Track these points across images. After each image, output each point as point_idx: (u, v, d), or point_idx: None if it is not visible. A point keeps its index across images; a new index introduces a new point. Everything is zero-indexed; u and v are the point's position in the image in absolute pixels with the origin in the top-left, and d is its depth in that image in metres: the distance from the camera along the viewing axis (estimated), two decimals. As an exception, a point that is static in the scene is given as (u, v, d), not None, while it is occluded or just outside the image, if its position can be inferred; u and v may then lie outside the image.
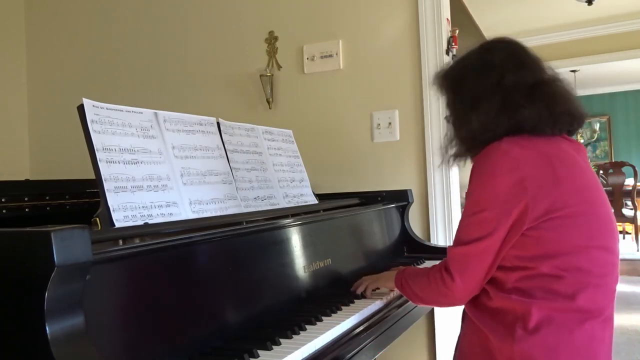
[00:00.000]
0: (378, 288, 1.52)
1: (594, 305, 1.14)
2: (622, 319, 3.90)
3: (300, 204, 1.80)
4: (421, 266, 1.79)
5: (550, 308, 1.13)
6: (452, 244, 1.27)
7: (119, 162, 1.19)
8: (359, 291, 1.51)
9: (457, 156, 1.35)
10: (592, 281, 1.14)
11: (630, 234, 7.66)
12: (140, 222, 1.17)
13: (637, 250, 6.82)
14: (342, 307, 1.38)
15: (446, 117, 1.41)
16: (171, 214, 1.26)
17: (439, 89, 1.40)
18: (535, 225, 1.14)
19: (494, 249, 1.17)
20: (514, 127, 1.21)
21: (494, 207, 1.16)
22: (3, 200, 1.61)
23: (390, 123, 2.38)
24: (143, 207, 1.20)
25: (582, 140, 8.17)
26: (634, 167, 6.64)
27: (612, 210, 1.26)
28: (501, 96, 1.22)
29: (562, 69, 6.15)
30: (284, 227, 1.45)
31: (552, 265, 1.14)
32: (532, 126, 1.20)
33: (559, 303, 1.13)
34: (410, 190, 2.19)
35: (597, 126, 8.34)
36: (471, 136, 1.25)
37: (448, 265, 1.23)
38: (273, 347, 1.07)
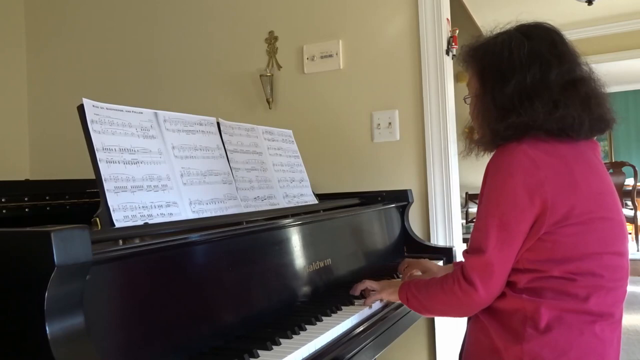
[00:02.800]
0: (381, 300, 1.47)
1: (605, 308, 1.14)
2: (622, 319, 3.89)
3: (300, 204, 1.80)
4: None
5: (561, 308, 1.12)
6: (468, 248, 1.21)
7: (119, 162, 1.19)
8: (360, 292, 1.48)
9: (482, 143, 1.26)
10: (604, 285, 1.14)
11: (630, 233, 7.66)
12: (140, 222, 1.17)
13: (637, 250, 6.82)
14: (342, 307, 1.38)
15: (465, 98, 1.32)
16: (171, 214, 1.26)
17: (466, 64, 1.30)
18: (552, 230, 1.11)
19: (514, 254, 1.14)
20: (559, 126, 1.14)
21: (512, 211, 1.12)
22: (3, 200, 1.61)
23: (390, 123, 2.38)
24: (143, 207, 1.20)
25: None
26: (634, 167, 6.63)
27: (622, 212, 1.24)
28: (550, 91, 1.15)
29: (562, 69, 6.16)
30: (284, 227, 1.45)
31: (564, 269, 1.12)
32: (573, 129, 1.15)
33: (570, 304, 1.12)
34: (410, 190, 2.19)
35: (597, 126, 8.32)
36: (521, 127, 1.15)
37: (468, 275, 1.16)
38: (273, 347, 1.07)
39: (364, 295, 1.48)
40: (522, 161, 1.12)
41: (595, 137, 1.26)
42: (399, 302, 1.40)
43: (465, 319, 1.34)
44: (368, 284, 1.48)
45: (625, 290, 1.20)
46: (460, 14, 4.42)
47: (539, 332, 1.12)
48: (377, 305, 1.45)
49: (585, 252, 1.13)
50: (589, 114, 1.16)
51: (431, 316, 1.43)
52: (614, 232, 1.17)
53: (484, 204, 1.18)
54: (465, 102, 1.34)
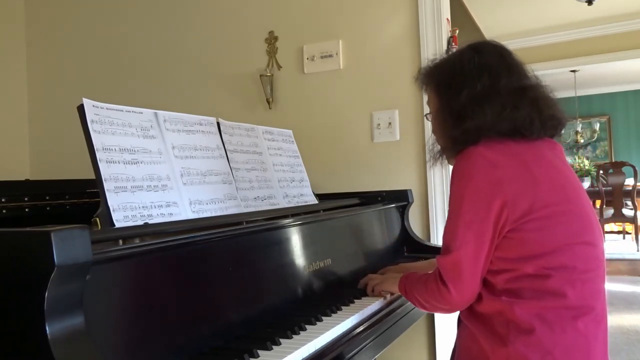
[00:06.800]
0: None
1: (583, 302, 1.15)
2: (622, 319, 3.89)
3: (300, 204, 1.80)
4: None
5: (541, 307, 1.14)
6: (441, 250, 1.26)
7: (119, 162, 1.19)
8: (366, 288, 1.54)
9: (444, 153, 1.35)
10: (578, 277, 1.15)
11: (630, 234, 7.65)
12: (140, 222, 1.17)
13: (637, 250, 6.82)
14: (342, 307, 1.38)
15: (426, 115, 1.42)
16: (171, 214, 1.26)
17: (424, 86, 1.40)
18: (517, 227, 1.15)
19: (481, 252, 1.17)
20: (511, 127, 1.21)
21: (474, 210, 1.17)
22: (3, 200, 1.61)
23: (390, 123, 2.38)
24: (143, 207, 1.20)
25: (582, 141, 8.16)
26: (634, 167, 6.64)
27: (592, 205, 1.27)
28: (500, 96, 1.23)
29: (562, 69, 6.16)
30: (284, 227, 1.45)
31: (537, 265, 1.15)
32: (524, 128, 1.22)
33: (548, 301, 1.14)
34: (410, 190, 2.19)
35: (597, 126, 8.34)
36: (474, 130, 1.22)
37: (442, 275, 1.22)
38: (273, 347, 1.07)
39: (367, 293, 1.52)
40: (480, 163, 1.18)
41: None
42: (399, 298, 1.48)
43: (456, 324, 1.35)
44: (371, 277, 1.56)
45: (603, 284, 1.21)
46: (460, 14, 4.42)
47: (522, 333, 1.13)
48: (377, 305, 1.45)
49: (554, 245, 1.15)
50: (539, 113, 1.23)
51: (427, 311, 1.46)
52: (580, 223, 1.19)
53: (450, 208, 1.24)
54: (427, 119, 1.44)
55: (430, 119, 1.40)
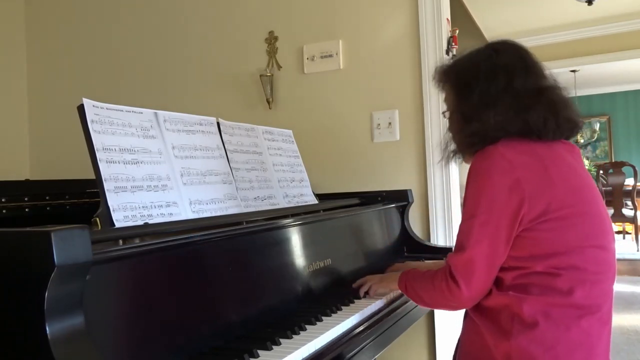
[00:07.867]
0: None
1: (590, 301, 1.15)
2: (622, 319, 3.90)
3: (300, 204, 1.80)
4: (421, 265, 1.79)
5: (547, 303, 1.14)
6: (453, 248, 1.26)
7: (119, 162, 1.19)
8: (363, 291, 1.51)
9: (458, 152, 1.35)
10: (587, 278, 1.16)
11: (630, 234, 7.65)
12: (140, 222, 1.17)
13: (637, 250, 6.82)
14: (342, 307, 1.38)
15: (444, 113, 1.42)
16: (171, 214, 1.26)
17: (441, 84, 1.39)
18: (531, 226, 1.15)
19: (495, 251, 1.17)
20: (524, 128, 1.21)
21: (491, 209, 1.17)
22: (3, 200, 1.61)
23: (390, 123, 2.38)
24: (143, 207, 1.20)
25: (582, 141, 8.16)
26: (634, 167, 6.64)
27: (606, 209, 1.27)
28: (513, 98, 1.23)
29: (562, 69, 6.16)
30: (284, 227, 1.45)
31: (547, 264, 1.15)
32: (538, 129, 1.21)
33: (555, 298, 1.14)
34: (410, 190, 2.19)
35: (597, 126, 8.34)
36: (481, 133, 1.23)
37: (452, 273, 1.21)
38: (273, 347, 1.07)
39: (368, 295, 1.50)
40: (499, 162, 1.18)
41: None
42: (399, 298, 1.47)
43: (462, 318, 1.35)
44: (369, 278, 1.53)
45: (611, 287, 1.22)
46: (460, 14, 4.42)
47: (526, 327, 1.14)
48: (377, 305, 1.45)
49: (566, 246, 1.16)
50: (555, 115, 1.23)
51: (428, 308, 1.46)
52: (593, 225, 1.20)
53: (466, 207, 1.23)
54: (444, 116, 1.42)
55: (447, 117, 1.40)
